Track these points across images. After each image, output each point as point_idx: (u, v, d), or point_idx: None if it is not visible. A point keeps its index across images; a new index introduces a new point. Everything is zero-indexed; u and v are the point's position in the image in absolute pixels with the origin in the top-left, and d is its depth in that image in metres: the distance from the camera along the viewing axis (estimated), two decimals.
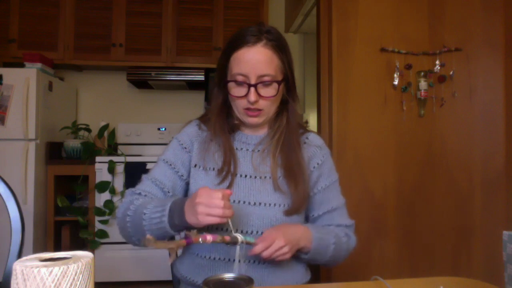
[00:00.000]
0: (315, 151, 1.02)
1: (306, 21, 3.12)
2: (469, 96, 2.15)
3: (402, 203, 2.12)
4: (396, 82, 2.08)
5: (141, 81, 3.05)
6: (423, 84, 2.08)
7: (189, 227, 0.80)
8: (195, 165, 0.98)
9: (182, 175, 0.98)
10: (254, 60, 0.90)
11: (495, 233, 2.06)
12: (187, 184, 1.00)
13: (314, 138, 1.05)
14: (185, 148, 1.00)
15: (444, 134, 2.14)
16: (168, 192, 0.96)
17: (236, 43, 0.93)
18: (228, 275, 0.67)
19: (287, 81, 0.98)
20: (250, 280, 0.64)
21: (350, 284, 0.84)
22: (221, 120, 1.00)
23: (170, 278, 1.19)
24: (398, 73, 2.09)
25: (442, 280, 0.81)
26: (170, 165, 0.98)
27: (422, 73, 2.09)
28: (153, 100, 3.33)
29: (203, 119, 1.05)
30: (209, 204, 0.75)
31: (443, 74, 2.11)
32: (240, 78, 0.91)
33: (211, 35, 3.00)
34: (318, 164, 1.01)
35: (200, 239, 0.76)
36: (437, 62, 2.11)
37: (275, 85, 0.93)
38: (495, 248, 2.07)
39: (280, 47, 0.94)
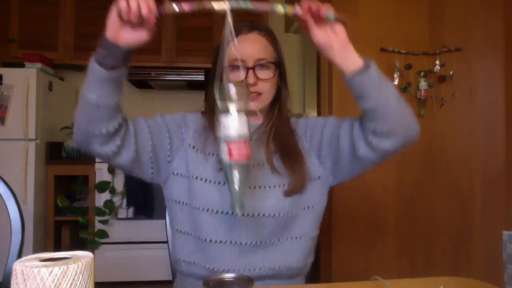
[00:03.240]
0: (302, 127, 1.03)
1: None
2: (469, 96, 2.15)
3: (402, 203, 2.12)
4: (396, 82, 2.08)
5: (141, 81, 3.04)
6: (423, 84, 2.08)
7: (115, 50, 0.76)
8: (190, 145, 0.97)
9: (167, 138, 0.96)
10: (250, 44, 0.95)
11: (495, 233, 2.05)
12: (167, 154, 0.96)
13: (297, 120, 1.06)
14: (185, 125, 0.99)
15: (444, 134, 2.14)
16: (150, 140, 0.93)
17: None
18: (228, 275, 0.67)
19: (280, 69, 1.00)
20: (250, 280, 0.64)
21: (350, 284, 0.84)
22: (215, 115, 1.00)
23: (170, 278, 1.19)
24: (398, 73, 2.09)
25: (442, 280, 0.81)
26: (165, 125, 0.97)
27: (422, 73, 2.09)
28: (153, 100, 3.33)
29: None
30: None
31: (443, 74, 2.11)
32: (237, 63, 0.93)
33: (211, 35, 3.00)
34: (311, 136, 1.01)
35: (175, 7, 0.71)
36: (437, 62, 2.11)
37: (272, 67, 0.96)
38: (495, 248, 2.07)
39: (271, 36, 0.99)
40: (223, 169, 0.71)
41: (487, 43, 2.16)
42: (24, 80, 2.48)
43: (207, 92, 1.04)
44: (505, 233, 0.66)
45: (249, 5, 0.74)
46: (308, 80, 3.44)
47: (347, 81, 0.85)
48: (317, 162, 0.99)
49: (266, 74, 0.95)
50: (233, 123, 0.65)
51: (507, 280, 0.66)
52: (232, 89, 0.66)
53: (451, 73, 2.12)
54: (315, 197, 0.99)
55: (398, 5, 2.13)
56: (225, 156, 0.66)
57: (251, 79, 0.92)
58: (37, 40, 2.87)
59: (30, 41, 2.86)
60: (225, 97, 0.66)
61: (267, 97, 0.97)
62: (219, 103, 0.67)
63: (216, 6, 0.73)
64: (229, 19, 0.73)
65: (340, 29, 0.83)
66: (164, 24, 2.98)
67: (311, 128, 1.02)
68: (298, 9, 0.77)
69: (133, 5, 0.70)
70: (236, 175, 0.67)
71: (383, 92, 0.83)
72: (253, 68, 0.93)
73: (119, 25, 0.74)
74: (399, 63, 2.09)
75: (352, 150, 0.92)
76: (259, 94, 0.95)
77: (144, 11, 0.71)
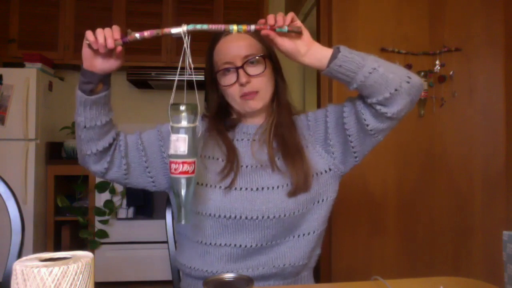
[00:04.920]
0: (303, 122, 1.01)
1: (306, 21, 3.12)
2: (469, 96, 2.15)
3: (402, 203, 2.12)
4: None
5: (141, 81, 3.04)
6: (423, 84, 2.08)
7: (92, 77, 0.83)
8: None
9: (162, 146, 0.97)
10: (235, 44, 0.93)
11: (495, 233, 2.06)
12: (165, 162, 0.97)
13: (297, 117, 1.04)
14: None
15: (444, 134, 2.14)
16: (142, 150, 0.96)
17: (213, 40, 0.98)
18: (228, 275, 0.67)
19: (273, 61, 0.98)
20: (250, 280, 0.64)
21: (350, 284, 0.84)
22: (217, 121, 1.00)
23: (170, 278, 1.19)
24: None
25: (442, 280, 0.81)
26: (159, 134, 0.98)
27: (422, 73, 2.09)
28: (153, 100, 3.33)
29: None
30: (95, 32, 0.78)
31: (443, 74, 2.11)
32: (226, 66, 0.93)
33: (210, 35, 3.00)
34: (314, 129, 0.99)
35: (137, 35, 0.77)
36: (437, 62, 2.11)
37: (261, 60, 0.94)
38: (495, 248, 2.07)
39: (256, 31, 0.96)
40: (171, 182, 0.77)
41: (487, 43, 2.16)
42: (24, 80, 2.48)
43: (207, 93, 1.03)
44: (505, 233, 0.66)
45: (205, 27, 0.79)
46: (308, 80, 3.44)
47: (327, 74, 0.85)
48: (325, 154, 0.97)
49: (257, 69, 0.93)
50: (175, 142, 0.72)
51: (507, 280, 0.66)
52: (181, 109, 0.73)
53: (451, 73, 2.12)
54: (326, 191, 0.97)
55: (398, 5, 2.13)
56: (169, 171, 0.73)
57: (242, 78, 0.91)
58: (37, 40, 2.87)
59: (30, 41, 2.86)
60: (175, 116, 0.73)
61: (265, 94, 0.95)
62: (170, 121, 0.73)
63: (174, 30, 0.77)
64: (186, 42, 0.78)
65: (303, 32, 0.84)
66: (164, 24, 2.99)
67: (313, 121, 0.99)
68: (252, 27, 0.80)
69: (100, 38, 0.77)
70: (178, 189, 0.72)
71: (363, 62, 0.82)
72: (242, 66, 0.91)
73: (91, 55, 0.81)
74: (399, 63, 2.06)
75: (362, 128, 0.90)
76: (256, 92, 0.93)
77: (109, 43, 0.77)
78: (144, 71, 2.94)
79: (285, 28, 0.80)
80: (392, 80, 0.82)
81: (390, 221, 2.12)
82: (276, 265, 0.92)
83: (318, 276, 2.13)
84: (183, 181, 0.72)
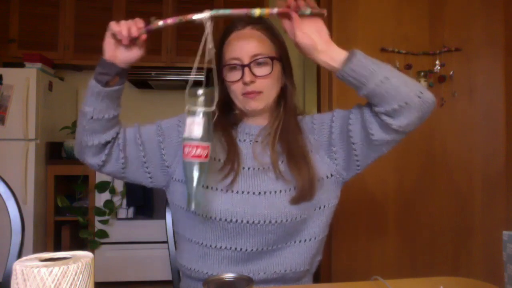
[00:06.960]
0: (308, 124, 0.99)
1: None
2: (469, 96, 2.15)
3: (402, 203, 2.12)
4: None
5: (141, 81, 3.04)
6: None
7: (111, 68, 0.84)
8: None
9: (161, 142, 0.96)
10: (245, 41, 0.91)
11: (495, 233, 2.06)
12: (163, 159, 0.96)
13: (302, 118, 1.02)
14: (180, 127, 0.98)
15: (444, 134, 2.14)
16: (140, 145, 0.94)
17: (224, 32, 0.96)
18: (228, 275, 0.67)
19: (283, 63, 0.96)
20: (250, 280, 0.64)
21: (350, 284, 0.84)
22: (220, 117, 0.99)
23: (170, 278, 1.19)
24: None
25: (442, 280, 0.81)
26: (159, 130, 0.98)
27: (422, 73, 2.09)
28: (153, 100, 3.33)
29: None
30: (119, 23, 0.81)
31: (443, 74, 2.11)
32: (233, 62, 0.91)
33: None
34: (318, 132, 0.97)
35: (160, 23, 0.79)
36: (437, 62, 2.11)
37: (269, 62, 0.91)
38: (495, 248, 2.07)
39: (268, 29, 0.94)
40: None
41: (487, 43, 2.16)
42: (24, 80, 2.48)
43: (211, 85, 1.02)
44: (505, 233, 0.66)
45: (227, 12, 0.79)
46: (308, 79, 3.44)
47: (339, 76, 0.84)
48: (328, 159, 0.95)
49: (263, 70, 0.90)
50: (190, 125, 0.72)
51: (507, 280, 0.66)
52: (198, 93, 0.72)
53: (451, 73, 2.12)
54: (327, 197, 0.96)
55: (398, 5, 2.13)
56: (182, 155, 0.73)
57: (247, 78, 0.89)
58: (37, 40, 2.87)
59: (30, 41, 2.86)
60: (192, 100, 0.73)
61: (268, 95, 0.93)
62: (187, 105, 0.73)
63: (196, 16, 0.78)
64: (209, 27, 0.78)
65: (322, 28, 0.83)
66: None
67: (318, 125, 0.97)
68: (274, 10, 0.80)
69: (124, 27, 0.79)
70: (190, 173, 0.72)
71: (377, 70, 0.81)
72: (249, 65, 0.89)
73: (114, 46, 0.83)
74: (399, 63, 2.09)
75: (366, 137, 0.88)
76: (259, 92, 0.91)
77: (133, 31, 0.79)
78: (144, 71, 2.94)
79: (308, 11, 0.80)
80: (403, 93, 0.81)
81: (390, 221, 2.12)
82: (277, 271, 0.91)
83: (318, 276, 2.13)
84: (195, 165, 0.71)
